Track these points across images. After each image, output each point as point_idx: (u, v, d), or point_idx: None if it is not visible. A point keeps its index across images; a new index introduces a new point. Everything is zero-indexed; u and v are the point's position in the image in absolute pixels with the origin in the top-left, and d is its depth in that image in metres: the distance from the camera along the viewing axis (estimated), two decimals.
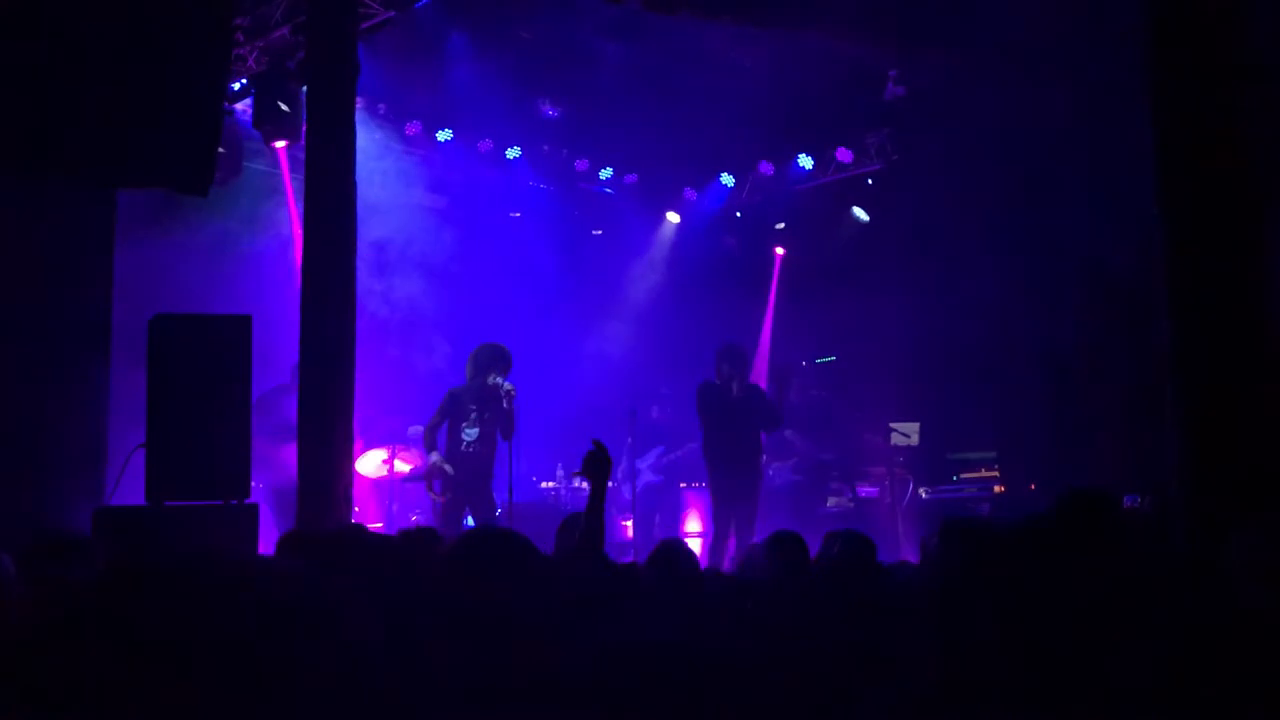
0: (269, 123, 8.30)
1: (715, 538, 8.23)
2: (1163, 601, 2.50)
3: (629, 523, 9.97)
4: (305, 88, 7.20)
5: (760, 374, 8.78)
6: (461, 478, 8.18)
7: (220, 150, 6.33)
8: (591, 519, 3.71)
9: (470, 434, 8.55)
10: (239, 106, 9.00)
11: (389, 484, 9.39)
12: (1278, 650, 2.22)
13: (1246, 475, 3.92)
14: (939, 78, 9.18)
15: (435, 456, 8.18)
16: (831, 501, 10.03)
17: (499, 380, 8.11)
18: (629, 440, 9.62)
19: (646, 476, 10.37)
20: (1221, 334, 4.19)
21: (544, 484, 10.72)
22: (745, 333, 11.74)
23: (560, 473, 10.79)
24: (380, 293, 9.83)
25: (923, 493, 9.79)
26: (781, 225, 11.98)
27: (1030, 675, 1.91)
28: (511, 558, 1.96)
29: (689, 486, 10.14)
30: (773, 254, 12.15)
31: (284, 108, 8.08)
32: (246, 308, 6.39)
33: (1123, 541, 2.62)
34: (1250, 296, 4.15)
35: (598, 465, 3.89)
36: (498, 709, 1.73)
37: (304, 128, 7.04)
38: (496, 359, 8.25)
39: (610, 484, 9.21)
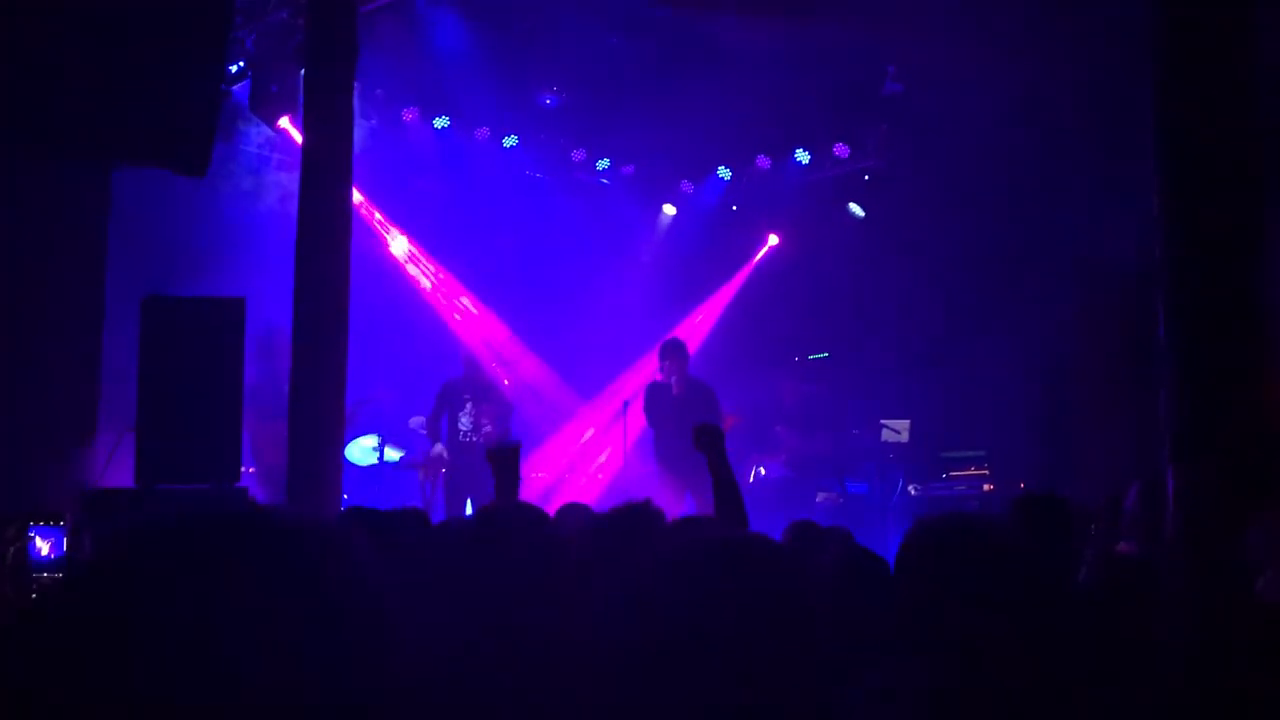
0: (267, 105, 8.27)
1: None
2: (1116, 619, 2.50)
3: None
4: (303, 71, 7.18)
5: (697, 366, 8.77)
6: (461, 465, 8.20)
7: (218, 131, 6.30)
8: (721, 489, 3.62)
9: (466, 423, 8.57)
10: (237, 89, 8.95)
11: (379, 472, 9.35)
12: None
13: (1230, 475, 3.93)
14: (938, 74, 9.17)
15: (438, 448, 8.25)
16: (821, 497, 10.02)
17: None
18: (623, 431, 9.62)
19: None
20: (1216, 334, 4.20)
21: (536, 474, 10.69)
22: (738, 326, 11.75)
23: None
24: (375, 280, 9.78)
25: (912, 489, 9.79)
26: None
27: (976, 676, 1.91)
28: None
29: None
30: (765, 243, 12.12)
31: (275, 90, 8.06)
32: (243, 290, 6.39)
33: (1073, 545, 2.60)
34: (1249, 296, 4.16)
35: (709, 437, 3.73)
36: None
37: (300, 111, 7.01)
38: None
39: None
